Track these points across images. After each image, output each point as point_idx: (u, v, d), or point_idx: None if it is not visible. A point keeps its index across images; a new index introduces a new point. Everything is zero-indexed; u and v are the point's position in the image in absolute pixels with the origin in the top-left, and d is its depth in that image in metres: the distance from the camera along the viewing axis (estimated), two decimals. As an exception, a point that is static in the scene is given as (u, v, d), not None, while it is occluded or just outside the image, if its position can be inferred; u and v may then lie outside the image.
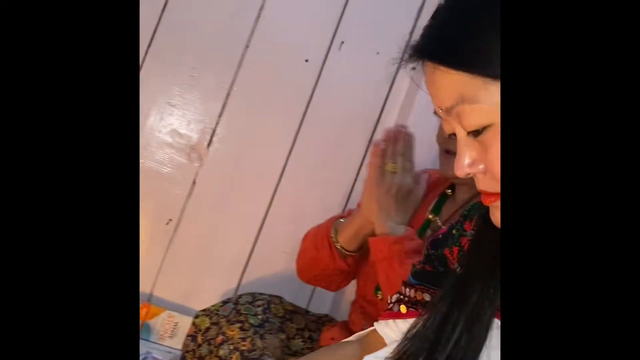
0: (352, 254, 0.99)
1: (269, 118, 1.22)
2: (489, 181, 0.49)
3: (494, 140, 0.46)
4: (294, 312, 1.12)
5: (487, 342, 0.54)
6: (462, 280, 0.58)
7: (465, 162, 0.49)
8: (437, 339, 0.56)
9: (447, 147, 0.92)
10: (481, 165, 0.49)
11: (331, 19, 1.21)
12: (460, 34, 0.48)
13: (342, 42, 1.22)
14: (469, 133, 0.48)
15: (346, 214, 1.10)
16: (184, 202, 1.21)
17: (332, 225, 1.01)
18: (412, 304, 0.64)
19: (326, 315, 1.18)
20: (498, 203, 0.49)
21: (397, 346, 0.58)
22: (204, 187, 1.21)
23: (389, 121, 1.25)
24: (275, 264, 1.27)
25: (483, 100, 0.46)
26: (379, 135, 1.25)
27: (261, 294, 1.16)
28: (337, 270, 1.02)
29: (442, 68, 0.48)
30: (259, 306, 1.10)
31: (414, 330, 0.58)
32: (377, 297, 0.94)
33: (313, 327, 1.11)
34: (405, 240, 0.86)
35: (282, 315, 1.10)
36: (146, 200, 1.20)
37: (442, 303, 0.57)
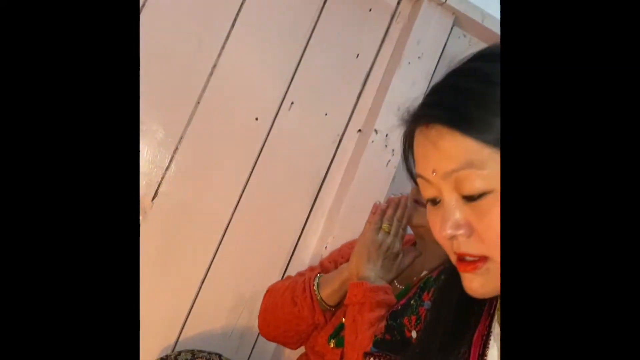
0: (331, 308, 1.00)
1: (216, 173, 1.23)
2: (475, 244, 0.50)
3: (492, 206, 0.48)
4: (233, 371, 1.11)
5: None
6: (421, 350, 0.60)
7: (452, 225, 0.50)
8: None
9: (416, 198, 0.98)
10: (464, 229, 0.50)
11: (283, 80, 1.26)
12: (475, 103, 0.49)
13: (292, 103, 1.26)
14: (463, 197, 0.50)
15: (308, 269, 1.11)
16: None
17: (314, 279, 1.01)
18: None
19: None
20: (477, 272, 0.51)
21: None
22: (147, 240, 1.19)
23: (335, 180, 1.29)
24: (215, 320, 1.25)
25: (490, 167, 0.48)
26: (324, 194, 1.29)
27: (201, 351, 1.14)
28: (312, 325, 1.01)
29: (455, 133, 0.49)
30: (197, 365, 1.08)
31: None
32: (329, 345, 0.95)
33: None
34: (381, 292, 0.88)
35: (221, 376, 1.08)
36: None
37: None
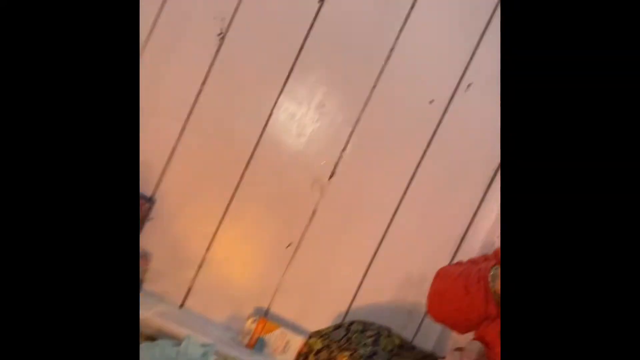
0: None
1: (389, 154, 1.27)
2: None
3: None
4: (401, 346, 1.15)
5: None
6: None
7: None
8: None
9: None
10: None
11: (460, 61, 1.23)
12: None
13: (469, 85, 1.24)
14: None
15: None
16: (303, 229, 1.30)
17: (489, 270, 0.99)
18: None
19: (431, 355, 1.20)
20: None
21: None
22: (323, 216, 1.29)
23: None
24: (384, 293, 1.31)
25: None
26: (498, 180, 1.26)
27: (372, 323, 1.21)
28: (483, 316, 1.00)
29: None
30: (369, 337, 1.15)
31: None
32: None
33: (419, 364, 1.14)
34: None
35: (391, 350, 1.13)
36: (271, 222, 1.30)
37: None
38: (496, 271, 0.99)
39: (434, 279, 1.10)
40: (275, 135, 1.28)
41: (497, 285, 0.97)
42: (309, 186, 1.28)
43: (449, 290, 1.03)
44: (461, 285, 1.01)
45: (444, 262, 1.26)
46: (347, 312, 1.32)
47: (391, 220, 1.28)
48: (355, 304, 1.32)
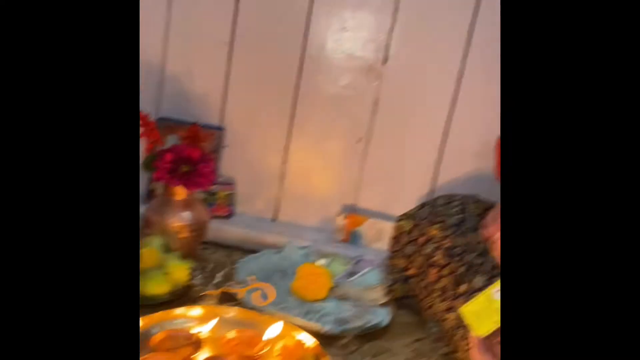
0: None
1: (439, 22, 1.22)
2: None
3: None
4: (490, 209, 1.16)
5: None
6: None
7: None
8: None
9: None
10: None
11: None
12: None
13: None
14: None
15: None
16: (370, 120, 1.30)
17: None
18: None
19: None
20: None
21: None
22: (386, 102, 1.28)
23: None
24: (464, 165, 1.31)
25: None
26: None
27: (456, 194, 1.22)
28: None
29: None
30: (455, 207, 1.17)
31: None
32: None
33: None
34: None
35: (480, 214, 1.15)
36: (336, 123, 1.32)
37: None
38: None
39: (495, 148, 1.09)
40: (319, 36, 1.26)
41: None
42: (365, 75, 1.27)
43: None
44: None
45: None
46: (430, 192, 1.33)
47: (456, 89, 1.25)
48: (438, 182, 1.33)
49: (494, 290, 0.64)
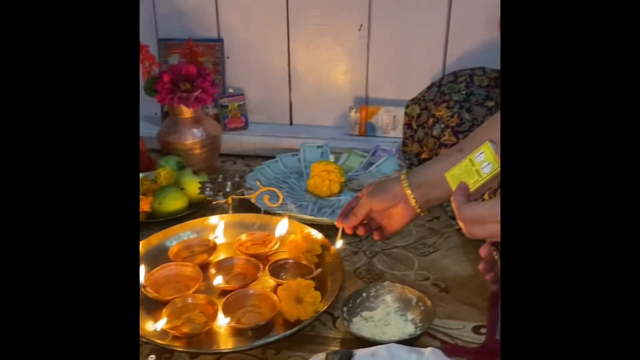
0: None
1: None
2: None
3: None
4: (499, 77, 1.10)
5: None
6: None
7: None
8: None
9: None
10: None
11: None
12: None
13: None
14: None
15: None
16: (367, 4, 1.24)
17: None
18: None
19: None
20: None
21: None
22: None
23: None
24: (475, 35, 1.23)
25: None
26: None
27: (463, 70, 1.17)
28: None
29: None
30: (461, 82, 1.12)
31: None
32: None
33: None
34: None
35: (487, 84, 1.10)
36: (332, 15, 1.27)
37: None
38: None
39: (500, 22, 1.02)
40: None
41: None
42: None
43: None
44: None
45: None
46: (442, 70, 1.28)
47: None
48: (448, 59, 1.27)
49: (477, 154, 0.64)
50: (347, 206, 0.86)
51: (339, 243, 0.87)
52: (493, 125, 0.76)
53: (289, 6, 1.27)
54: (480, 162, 0.63)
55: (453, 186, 0.64)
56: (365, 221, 0.85)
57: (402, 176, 0.80)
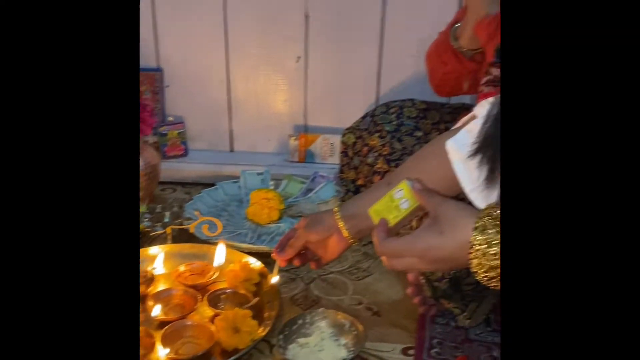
0: (477, 51, 1.03)
1: None
2: None
3: None
4: (427, 109, 1.17)
5: None
6: None
7: None
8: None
9: None
10: None
11: None
12: None
13: None
14: None
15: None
16: (304, 36, 1.29)
17: (449, 33, 1.05)
18: (496, 83, 0.66)
19: (463, 105, 1.21)
20: None
21: (480, 128, 0.62)
22: (317, 17, 1.26)
23: None
24: (405, 68, 1.31)
25: None
26: None
27: (394, 101, 1.23)
28: (468, 73, 1.07)
29: None
30: (392, 113, 1.18)
31: (494, 111, 0.61)
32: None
33: (449, 118, 1.16)
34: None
35: (416, 116, 1.16)
36: (270, 45, 1.31)
37: None
38: (454, 31, 1.04)
39: (426, 61, 1.14)
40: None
41: (462, 42, 1.02)
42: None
43: (435, 68, 1.11)
44: (437, 60, 1.09)
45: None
46: (376, 101, 1.34)
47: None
48: (382, 90, 1.34)
49: (396, 191, 0.68)
50: (285, 238, 0.89)
51: (275, 278, 0.90)
52: (417, 160, 0.81)
53: (228, 36, 1.30)
54: (399, 199, 0.67)
55: (375, 221, 0.68)
56: (302, 251, 0.88)
57: (335, 209, 0.84)
